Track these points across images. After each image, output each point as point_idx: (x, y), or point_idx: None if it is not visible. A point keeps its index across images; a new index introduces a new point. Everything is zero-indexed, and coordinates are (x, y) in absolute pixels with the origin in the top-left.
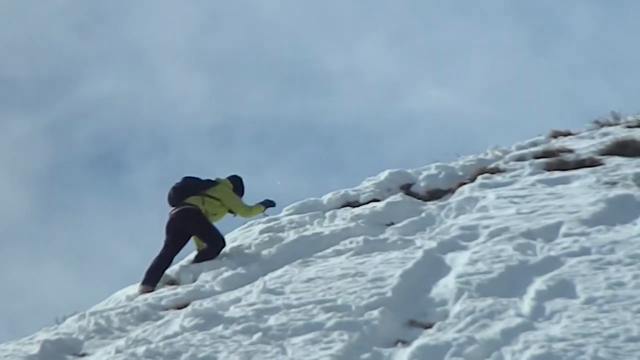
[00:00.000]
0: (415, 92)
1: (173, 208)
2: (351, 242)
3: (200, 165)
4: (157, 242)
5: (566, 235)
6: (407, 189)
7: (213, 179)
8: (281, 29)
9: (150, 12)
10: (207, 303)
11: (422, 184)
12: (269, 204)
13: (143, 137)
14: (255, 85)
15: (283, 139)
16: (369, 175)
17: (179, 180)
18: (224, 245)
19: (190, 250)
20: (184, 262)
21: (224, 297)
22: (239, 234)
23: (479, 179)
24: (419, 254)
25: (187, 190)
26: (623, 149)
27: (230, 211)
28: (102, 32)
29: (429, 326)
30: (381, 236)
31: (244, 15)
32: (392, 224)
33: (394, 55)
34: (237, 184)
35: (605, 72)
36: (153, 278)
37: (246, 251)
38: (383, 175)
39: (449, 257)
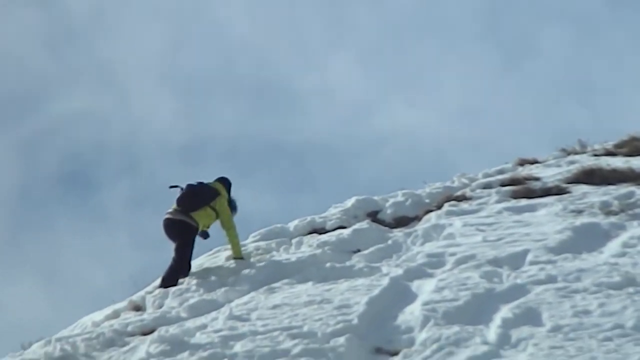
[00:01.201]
0: (385, 112)
1: (173, 209)
2: (317, 269)
3: (170, 183)
4: (127, 261)
5: (532, 263)
6: (373, 216)
7: (211, 183)
8: (251, 48)
9: (121, 31)
10: (173, 329)
11: (388, 211)
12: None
13: (113, 156)
14: (226, 104)
15: (253, 157)
16: (339, 194)
17: (191, 184)
18: (186, 273)
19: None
20: (149, 287)
21: (190, 324)
22: (205, 260)
23: (446, 207)
24: (385, 281)
25: (198, 200)
26: (589, 177)
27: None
28: (72, 50)
29: (395, 353)
30: (347, 263)
31: (214, 34)
32: (359, 251)
33: (364, 74)
34: (226, 185)
35: (576, 92)
36: (173, 281)
37: (212, 277)
38: (349, 202)
39: (415, 285)
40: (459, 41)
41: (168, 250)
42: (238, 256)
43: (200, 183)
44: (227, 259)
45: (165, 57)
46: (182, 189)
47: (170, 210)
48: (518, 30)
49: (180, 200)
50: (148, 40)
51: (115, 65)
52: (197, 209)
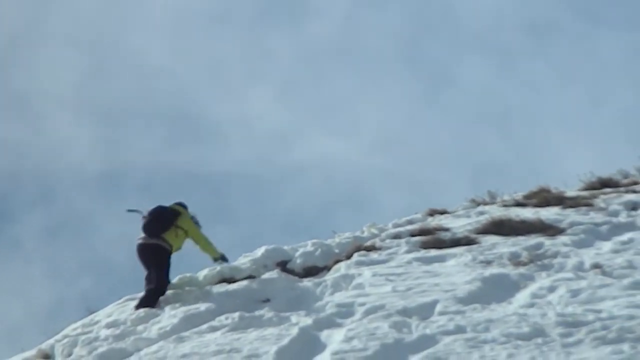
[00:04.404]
0: (305, 142)
1: (143, 236)
2: (227, 318)
3: (87, 213)
4: (43, 293)
5: (441, 313)
6: (283, 266)
7: (167, 205)
8: (170, 77)
9: (36, 60)
10: None
11: (298, 260)
12: (224, 257)
13: (28, 185)
14: (143, 133)
15: (171, 186)
16: (258, 224)
17: (151, 210)
18: (164, 292)
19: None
20: (59, 336)
21: None
22: (114, 309)
23: (355, 257)
24: (295, 330)
25: (163, 224)
26: (499, 227)
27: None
28: None
29: None
30: (257, 312)
31: (132, 63)
32: (268, 300)
33: (283, 105)
34: (183, 206)
35: (494, 123)
36: (152, 302)
37: (121, 326)
38: (259, 252)
39: (324, 334)
40: (378, 71)
41: (84, 281)
42: (217, 256)
43: (160, 206)
44: (136, 307)
45: (82, 86)
46: (142, 214)
47: (141, 236)
48: (437, 60)
49: (146, 227)
50: (64, 69)
51: (30, 94)
52: (166, 230)
